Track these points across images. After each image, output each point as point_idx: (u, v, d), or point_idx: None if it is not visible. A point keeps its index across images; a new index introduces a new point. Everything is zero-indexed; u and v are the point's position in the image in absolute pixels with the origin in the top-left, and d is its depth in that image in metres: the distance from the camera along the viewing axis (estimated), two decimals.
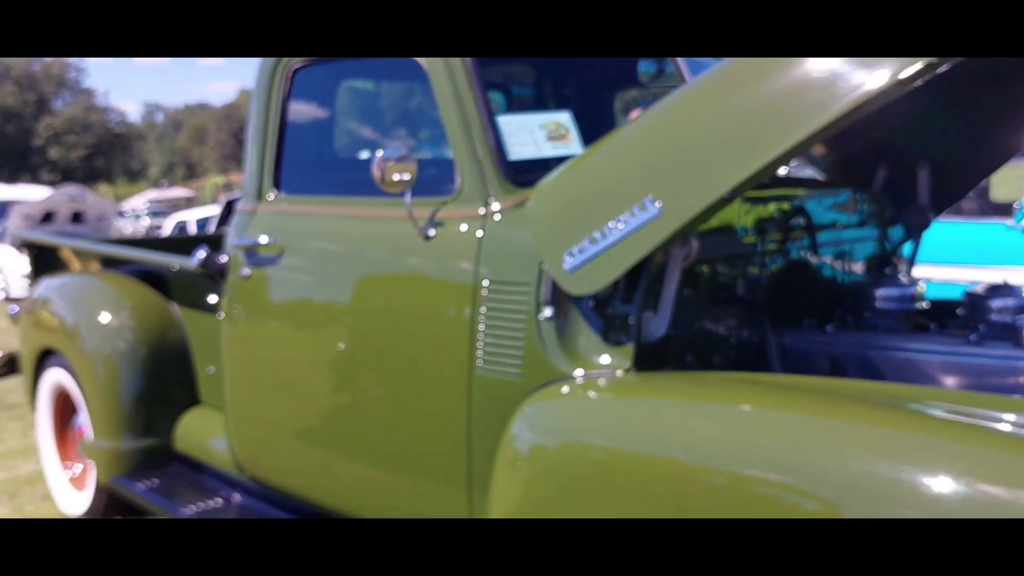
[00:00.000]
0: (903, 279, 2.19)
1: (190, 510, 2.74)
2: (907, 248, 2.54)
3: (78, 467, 3.51)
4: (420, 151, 2.45)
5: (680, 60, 2.37)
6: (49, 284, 3.62)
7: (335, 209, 2.34)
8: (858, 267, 2.40)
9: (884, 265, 2.34)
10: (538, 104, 2.71)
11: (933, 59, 1.33)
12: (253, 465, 2.58)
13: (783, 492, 1.39)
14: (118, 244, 3.87)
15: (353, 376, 2.23)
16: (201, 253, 2.62)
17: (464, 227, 2.00)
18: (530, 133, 2.12)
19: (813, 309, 2.23)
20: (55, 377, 3.43)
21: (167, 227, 16.45)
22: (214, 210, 15.18)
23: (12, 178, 39.99)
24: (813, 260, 2.28)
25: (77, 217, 12.94)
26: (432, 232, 2.04)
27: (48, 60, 49.66)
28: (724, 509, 1.42)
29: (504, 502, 1.78)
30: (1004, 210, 5.44)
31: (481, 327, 1.92)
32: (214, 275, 2.64)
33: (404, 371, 2.10)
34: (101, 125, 55.32)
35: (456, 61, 2.04)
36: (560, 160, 1.97)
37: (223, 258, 2.59)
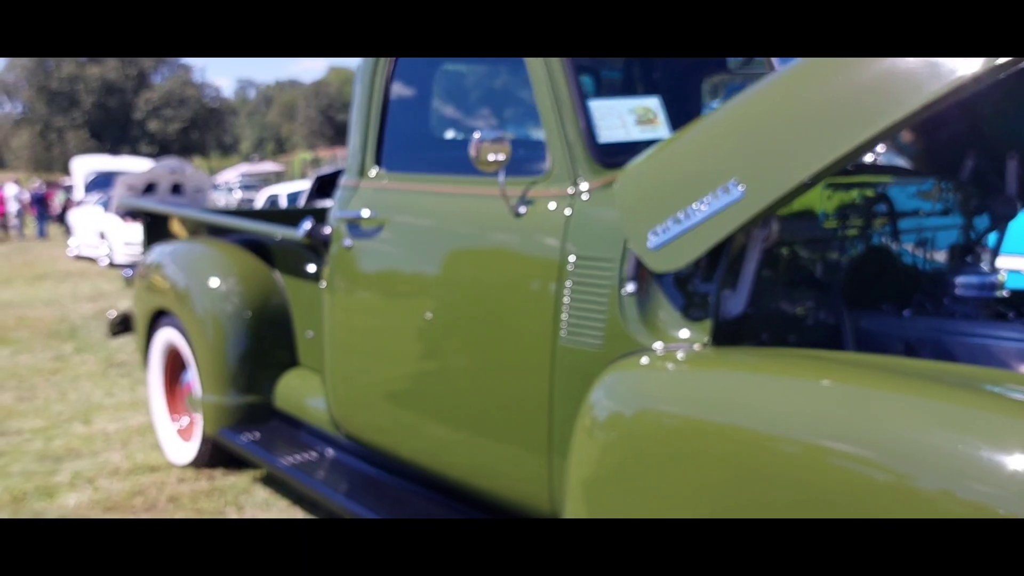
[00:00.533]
0: (984, 268, 2.21)
1: (286, 461, 2.96)
2: (992, 238, 2.53)
3: (185, 420, 3.80)
4: (508, 132, 2.57)
5: None
6: (162, 250, 3.91)
7: (431, 186, 2.49)
8: (940, 255, 2.41)
9: (967, 254, 2.35)
10: (626, 89, 2.79)
11: None
12: (348, 423, 2.77)
13: (856, 464, 1.42)
14: (228, 214, 4.12)
15: (443, 343, 2.38)
16: (307, 224, 2.82)
17: (553, 205, 2.11)
18: (620, 117, 2.22)
19: (891, 294, 2.27)
20: (167, 336, 3.71)
21: (259, 200, 17.05)
22: (304, 185, 15.69)
23: (114, 149, 41.93)
24: (893, 246, 2.31)
25: (176, 188, 13.57)
26: (523, 209, 2.16)
27: None
28: (795, 478, 1.49)
29: (582, 466, 1.89)
30: None
31: (566, 300, 2.04)
32: (318, 245, 2.84)
33: (491, 340, 2.23)
34: (197, 100, 57.38)
35: None
36: (648, 144, 2.07)
37: (327, 229, 2.78)
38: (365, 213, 2.57)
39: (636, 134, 2.21)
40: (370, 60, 2.66)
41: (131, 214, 13.26)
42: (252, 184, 29.82)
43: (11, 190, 21.69)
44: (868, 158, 2.28)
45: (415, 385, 2.48)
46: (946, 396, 1.47)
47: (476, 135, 2.10)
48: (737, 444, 1.59)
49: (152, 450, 3.89)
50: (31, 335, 7.14)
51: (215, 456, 3.53)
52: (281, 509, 3.22)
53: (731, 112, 1.83)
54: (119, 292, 10.04)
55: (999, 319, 2.10)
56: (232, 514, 3.17)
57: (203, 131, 58.29)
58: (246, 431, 3.26)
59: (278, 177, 36.85)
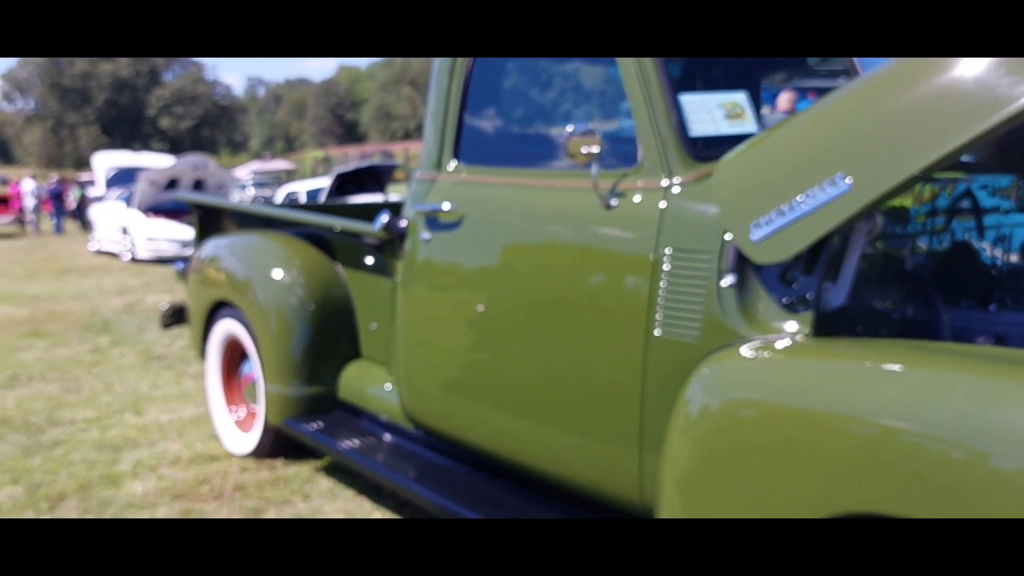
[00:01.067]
0: None
1: (354, 449, 3.00)
2: None
3: (242, 410, 3.84)
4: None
5: None
6: (216, 243, 3.95)
7: (512, 179, 2.52)
8: (1016, 251, 2.44)
9: None
10: (698, 83, 2.82)
11: None
12: (424, 414, 2.80)
13: (973, 454, 1.42)
14: (293, 208, 4.16)
15: (528, 336, 2.40)
16: (384, 218, 2.85)
17: (645, 198, 2.14)
18: (709, 111, 2.25)
19: (973, 289, 2.29)
20: (227, 327, 3.75)
21: (278, 197, 17.11)
22: (322, 182, 15.75)
23: (125, 146, 42.05)
24: (976, 242, 2.34)
25: (199, 185, 13.65)
26: (614, 202, 2.19)
27: None
28: (915, 470, 1.47)
29: (678, 461, 1.89)
30: None
31: (661, 292, 2.06)
32: (394, 238, 2.87)
33: (580, 333, 2.26)
34: (208, 97, 57.49)
35: None
36: (737, 138, 2.10)
37: (403, 223, 2.81)
38: (446, 206, 2.60)
39: (725, 128, 2.24)
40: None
41: (154, 209, 13.29)
42: (264, 182, 29.88)
43: (28, 185, 21.79)
44: None
45: (499, 378, 2.51)
46: None
47: (568, 128, 2.14)
48: (850, 434, 1.59)
49: (210, 440, 3.93)
50: (64, 328, 7.19)
51: (276, 446, 3.56)
52: (347, 498, 3.25)
53: (835, 106, 1.86)
54: (145, 286, 10.11)
55: None
56: (299, 503, 3.21)
57: (214, 129, 58.41)
58: (310, 420, 3.30)
59: (289, 175, 36.94)
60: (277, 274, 3.44)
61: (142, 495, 3.30)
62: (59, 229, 20.99)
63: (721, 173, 1.99)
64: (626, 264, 2.15)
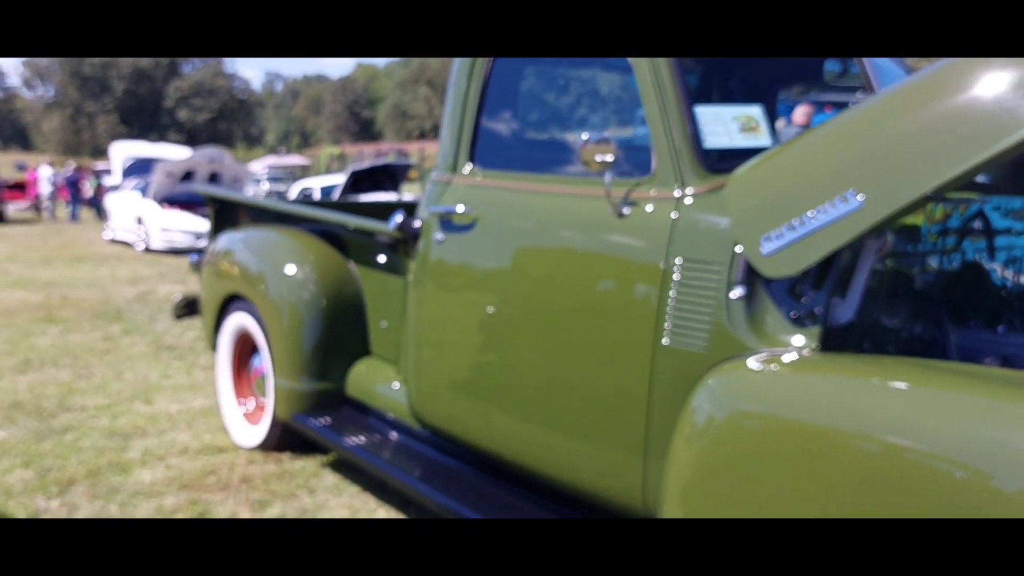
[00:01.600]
0: None
1: (360, 445, 3.03)
2: None
3: (251, 403, 3.87)
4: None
5: (866, 62, 2.47)
6: (231, 237, 3.99)
7: (527, 184, 2.54)
8: None
9: None
10: (715, 95, 2.84)
11: None
12: (431, 414, 2.83)
13: (973, 473, 1.43)
14: (308, 205, 4.20)
15: (538, 340, 2.42)
16: (399, 217, 2.88)
17: (658, 208, 2.16)
18: (724, 124, 2.27)
19: (983, 310, 2.30)
20: (238, 320, 3.79)
21: (292, 193, 17.20)
22: (336, 179, 15.82)
23: (142, 136, 42.32)
24: (985, 262, 2.35)
25: (214, 178, 13.74)
26: (627, 211, 2.21)
27: None
28: (921, 488, 1.49)
29: (681, 472, 1.91)
30: None
31: (670, 301, 2.08)
32: (407, 238, 2.90)
33: (589, 338, 2.28)
34: (226, 90, 57.82)
35: None
36: (751, 151, 2.12)
37: (417, 223, 2.84)
38: (460, 208, 2.63)
39: (739, 141, 2.26)
40: (467, 59, 2.72)
41: (169, 200, 13.39)
42: (279, 176, 30.04)
43: (45, 172, 21.97)
44: None
45: (506, 380, 2.53)
46: None
47: (584, 136, 2.16)
48: (854, 450, 1.60)
49: (218, 432, 3.97)
50: (78, 315, 7.26)
51: (283, 440, 3.60)
52: (351, 494, 3.28)
53: (848, 123, 1.88)
54: (157, 276, 10.18)
55: None
56: (304, 497, 3.24)
57: (230, 122, 58.74)
58: (318, 416, 3.33)
59: (304, 171, 37.13)
60: (290, 269, 3.48)
61: (150, 483, 3.34)
62: (74, 217, 21.15)
63: (734, 186, 2.01)
64: (636, 272, 2.17)
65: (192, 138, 49.57)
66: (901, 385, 1.67)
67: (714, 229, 2.05)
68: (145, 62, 54.38)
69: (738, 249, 1.96)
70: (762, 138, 2.29)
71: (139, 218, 13.66)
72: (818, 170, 1.85)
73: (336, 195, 13.32)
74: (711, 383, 1.91)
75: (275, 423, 3.55)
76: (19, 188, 23.02)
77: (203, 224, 12.45)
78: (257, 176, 28.27)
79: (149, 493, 3.25)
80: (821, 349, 1.88)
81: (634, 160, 2.31)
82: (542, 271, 2.43)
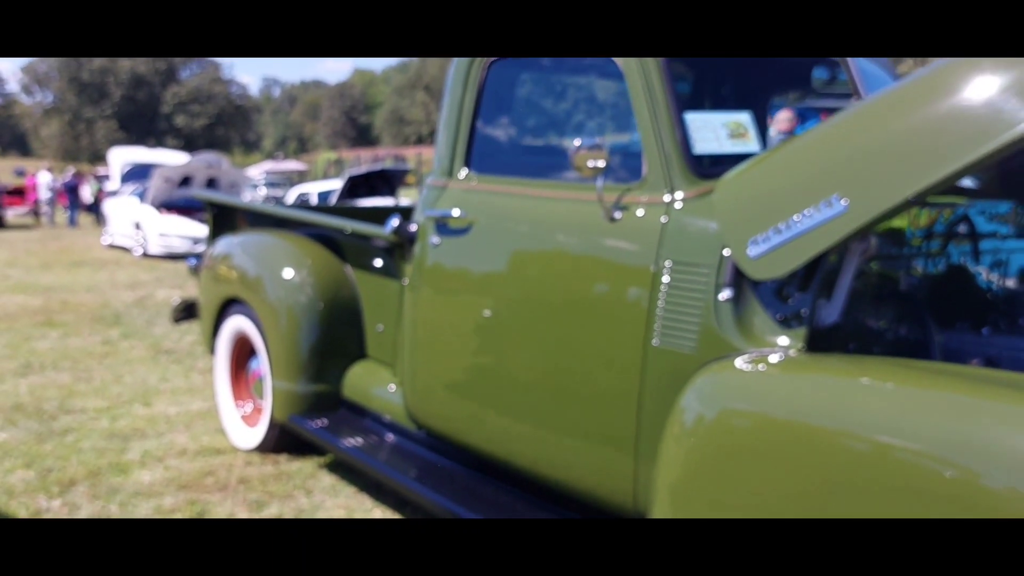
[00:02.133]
0: None
1: (356, 446, 3.06)
2: None
3: (249, 406, 3.91)
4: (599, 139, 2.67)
5: (853, 68, 2.52)
6: (229, 241, 4.03)
7: (522, 189, 2.59)
8: (1012, 276, 2.49)
9: None
10: (705, 102, 2.89)
11: None
12: (427, 416, 2.87)
13: (959, 470, 1.46)
14: (305, 209, 4.24)
15: (531, 341, 2.47)
16: (395, 221, 2.92)
17: (648, 212, 2.21)
18: (713, 130, 2.32)
19: (967, 312, 2.35)
20: (236, 324, 3.83)
21: (289, 198, 17.24)
22: (333, 184, 15.87)
23: (140, 142, 42.35)
24: (972, 266, 2.39)
25: (212, 183, 13.78)
26: (618, 215, 2.26)
27: None
28: (908, 487, 1.52)
29: (671, 470, 1.95)
30: None
31: (660, 303, 2.13)
32: (403, 242, 2.94)
33: (582, 340, 2.32)
34: (224, 96, 57.86)
35: (649, 58, 2.25)
36: (739, 157, 2.17)
37: (413, 227, 2.89)
38: (456, 212, 2.68)
39: (728, 147, 2.31)
40: (463, 65, 2.77)
41: (167, 205, 13.42)
42: (276, 181, 30.10)
43: (44, 177, 22.00)
44: None
45: (500, 382, 2.58)
46: None
47: (576, 142, 2.20)
48: (840, 448, 1.63)
49: (216, 434, 4.00)
50: (77, 319, 7.30)
51: (280, 442, 3.64)
52: (348, 495, 3.32)
53: (833, 129, 1.92)
54: (155, 281, 10.21)
55: None
56: (301, 498, 3.28)
57: (228, 127, 58.79)
58: (315, 417, 3.37)
59: (301, 176, 37.17)
60: (288, 273, 3.52)
61: (149, 484, 3.38)
62: (73, 222, 21.18)
63: (722, 190, 2.05)
64: (627, 275, 2.21)
65: (190, 143, 49.62)
66: (887, 384, 1.70)
67: (703, 233, 2.10)
68: (143, 68, 54.45)
69: (726, 252, 2.01)
70: (750, 144, 2.34)
71: (137, 223, 13.69)
72: (803, 175, 1.90)
73: (333, 200, 13.37)
74: (700, 383, 1.95)
75: (272, 425, 3.59)
76: (18, 194, 23.06)
77: (200, 229, 12.48)
78: (254, 181, 28.32)
79: (148, 493, 3.29)
80: (807, 350, 1.92)
81: (626, 166, 2.36)
82: (536, 274, 2.48)
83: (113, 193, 17.25)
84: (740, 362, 1.93)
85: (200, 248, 11.20)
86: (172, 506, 3.18)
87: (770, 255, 1.90)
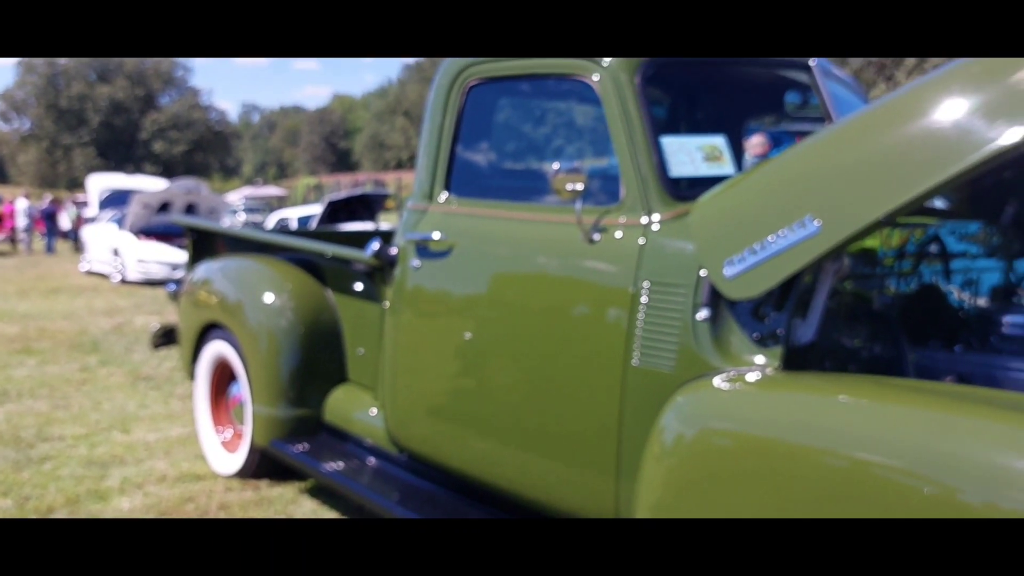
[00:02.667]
0: None
1: (338, 471, 3.05)
2: None
3: (229, 431, 3.89)
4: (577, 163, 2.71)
5: (825, 93, 2.58)
6: (209, 267, 4.02)
7: (501, 212, 2.62)
8: (983, 295, 2.54)
9: (1009, 295, 2.48)
10: (681, 126, 2.94)
11: None
12: (409, 439, 2.87)
13: (936, 487, 1.49)
14: (285, 234, 4.24)
15: (512, 363, 2.48)
16: (375, 245, 2.94)
17: (626, 234, 2.24)
18: (689, 153, 2.36)
19: (939, 330, 2.40)
20: (216, 349, 3.81)
21: (269, 223, 17.19)
22: (313, 209, 15.85)
23: (119, 168, 42.12)
24: (942, 285, 2.45)
25: (191, 209, 13.72)
26: (597, 237, 2.29)
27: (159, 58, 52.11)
28: (888, 504, 1.55)
29: (651, 490, 1.96)
30: None
31: (639, 323, 2.15)
32: (384, 266, 2.96)
33: (562, 361, 2.34)
34: (202, 123, 57.68)
35: (625, 82, 2.29)
36: (715, 180, 2.21)
37: (393, 251, 2.90)
38: (436, 235, 2.70)
39: (704, 170, 2.36)
40: (443, 90, 2.81)
41: (145, 232, 13.28)
42: (256, 207, 30.00)
43: (21, 204, 21.80)
44: None
45: (482, 404, 2.59)
46: (998, 417, 1.55)
47: (555, 165, 2.24)
48: (818, 465, 1.66)
49: (196, 460, 3.97)
50: (54, 346, 7.22)
51: (261, 467, 3.61)
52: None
53: (807, 151, 1.97)
54: (134, 307, 10.13)
55: None
56: None
57: (207, 153, 58.57)
58: (296, 442, 3.35)
59: (280, 201, 37.11)
60: (268, 298, 3.52)
61: (128, 511, 3.34)
62: (50, 249, 20.97)
63: (698, 212, 2.09)
64: (606, 296, 2.24)
65: (168, 170, 49.35)
66: (863, 402, 1.73)
67: (680, 254, 2.13)
68: (121, 94, 54.23)
69: (703, 273, 2.04)
70: (725, 167, 2.38)
71: (115, 249, 13.59)
72: (777, 196, 1.94)
73: (313, 225, 13.34)
74: (679, 402, 1.98)
75: (253, 450, 3.57)
76: None
77: (179, 255, 12.41)
78: (234, 207, 28.22)
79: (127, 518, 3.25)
80: (784, 368, 1.95)
81: (605, 189, 2.39)
82: (516, 296, 2.50)
83: (91, 219, 17.12)
84: (718, 381, 1.96)
85: (180, 274, 11.15)
86: None
87: (746, 275, 1.93)
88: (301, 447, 3.31)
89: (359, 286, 3.37)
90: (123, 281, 13.26)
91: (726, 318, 2.05)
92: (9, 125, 57.04)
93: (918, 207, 2.29)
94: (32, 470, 3.82)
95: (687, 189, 2.25)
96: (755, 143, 2.81)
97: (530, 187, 2.76)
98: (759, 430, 1.82)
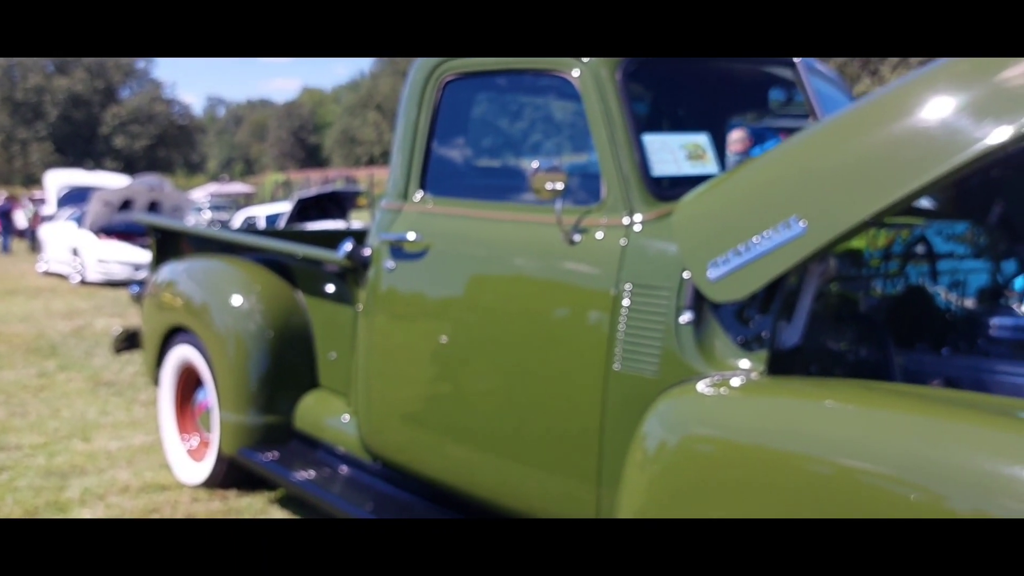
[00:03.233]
0: (1018, 311, 2.32)
1: (308, 480, 2.96)
2: (1019, 282, 2.64)
3: (195, 439, 3.76)
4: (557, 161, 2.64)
5: (809, 90, 2.53)
6: (174, 268, 3.90)
7: (479, 212, 2.54)
8: (970, 296, 2.52)
9: (996, 297, 2.46)
10: (663, 123, 2.88)
11: None
12: (383, 445, 2.79)
13: (922, 492, 1.46)
14: (254, 234, 4.13)
15: (491, 368, 2.41)
16: (348, 246, 2.84)
17: (608, 235, 2.18)
18: (671, 152, 2.30)
19: (926, 333, 2.36)
20: (182, 354, 3.69)
21: (236, 222, 16.93)
22: (282, 207, 15.63)
23: (78, 164, 41.28)
24: (929, 286, 2.41)
25: (153, 206, 13.45)
26: (577, 238, 2.22)
27: None
28: (843, 503, 1.53)
29: (634, 498, 1.91)
30: None
31: (621, 327, 2.09)
32: (357, 267, 2.86)
33: (542, 366, 2.27)
34: (165, 116, 56.70)
35: (606, 79, 2.22)
36: (698, 179, 2.15)
37: (367, 251, 2.81)
38: (411, 236, 2.61)
39: (687, 169, 2.30)
40: (418, 86, 2.72)
41: (106, 230, 13.01)
42: (222, 204, 29.57)
43: None
44: None
45: (459, 410, 2.51)
46: (987, 423, 1.52)
47: (534, 164, 2.17)
48: (803, 471, 1.62)
49: (160, 469, 3.84)
50: (10, 351, 7.00)
51: (229, 477, 3.50)
52: None
53: (792, 151, 1.92)
54: (94, 310, 9.88)
55: None
56: None
57: (170, 148, 57.58)
58: (266, 450, 3.25)
59: (248, 199, 36.62)
60: (236, 300, 3.41)
61: None
62: (5, 248, 20.47)
63: (681, 212, 2.04)
64: (587, 299, 2.18)
65: (130, 165, 48.43)
66: (849, 407, 1.70)
67: (662, 255, 2.07)
68: (80, 87, 53.05)
69: (686, 275, 1.99)
70: (709, 165, 2.33)
71: (75, 249, 13.26)
72: (762, 196, 1.89)
73: (282, 223, 13.15)
74: (662, 408, 1.92)
75: (220, 459, 3.45)
76: None
77: (142, 255, 12.14)
78: (198, 204, 27.79)
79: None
80: (769, 372, 1.91)
81: (585, 187, 2.33)
82: (494, 299, 2.43)
83: (49, 218, 16.70)
84: (702, 386, 1.91)
85: (142, 275, 10.90)
86: None
87: (730, 277, 1.88)
88: (271, 455, 3.21)
89: (331, 288, 3.27)
90: (83, 282, 12.94)
91: (710, 321, 2.00)
92: None
93: (906, 207, 2.27)
94: None
95: (669, 188, 2.19)
96: (735, 139, 2.77)
97: (509, 186, 2.68)
98: (744, 436, 1.78)
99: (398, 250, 2.67)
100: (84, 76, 53.81)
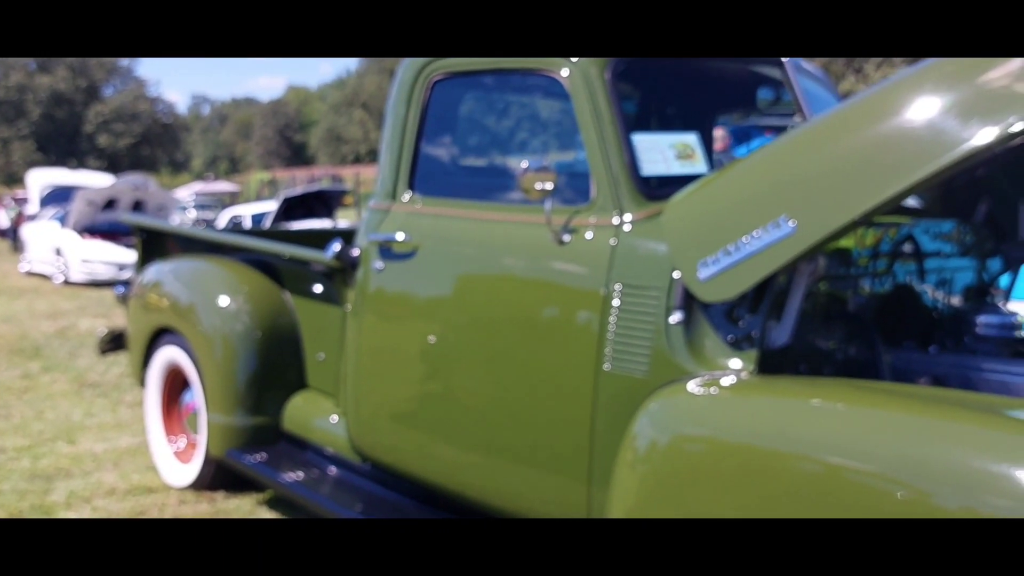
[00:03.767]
0: (1004, 309, 2.34)
1: (297, 481, 2.95)
2: (1004, 280, 2.67)
3: (182, 441, 3.74)
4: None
5: (797, 89, 2.54)
6: (160, 268, 3.87)
7: (468, 212, 2.53)
8: (956, 294, 2.54)
9: (982, 295, 2.48)
10: (652, 123, 2.89)
11: None
12: (372, 447, 2.77)
13: (910, 490, 1.47)
14: (241, 234, 4.10)
15: (480, 369, 2.40)
16: (336, 246, 2.83)
17: (597, 234, 2.18)
18: (661, 151, 2.30)
19: (914, 331, 2.38)
20: (168, 355, 3.66)
21: (221, 221, 16.83)
22: (267, 206, 15.55)
23: (60, 163, 40.92)
24: (916, 285, 2.43)
25: (138, 206, 13.35)
26: (567, 238, 2.22)
27: None
28: (832, 502, 1.54)
29: (625, 498, 1.91)
30: None
31: (611, 327, 2.09)
32: (345, 268, 2.85)
33: (531, 366, 2.27)
34: (149, 115, 56.28)
35: (596, 78, 2.22)
36: (687, 179, 2.15)
37: (355, 252, 2.80)
38: (400, 236, 2.60)
39: (676, 168, 2.30)
40: (406, 85, 2.70)
41: (90, 230, 12.88)
42: (207, 203, 29.37)
43: None
44: None
45: (448, 410, 2.50)
46: (977, 421, 1.54)
47: (523, 163, 2.16)
48: (794, 470, 1.64)
49: (147, 471, 3.81)
50: None
51: (216, 478, 3.48)
52: None
53: (781, 150, 1.93)
54: (78, 310, 9.80)
55: (1019, 357, 2.22)
56: None
57: (155, 147, 57.16)
58: (253, 452, 3.23)
59: (233, 197, 36.42)
60: (223, 301, 3.38)
61: None
62: None
63: (670, 212, 2.04)
64: (577, 299, 2.18)
65: (114, 164, 48.02)
66: (838, 406, 1.71)
67: (652, 255, 2.07)
68: (63, 85, 52.55)
69: (676, 275, 1.99)
70: (698, 165, 2.33)
71: (58, 249, 13.14)
72: (751, 197, 1.89)
73: (268, 222, 13.08)
74: (652, 407, 1.93)
75: (208, 461, 3.43)
76: None
77: (126, 255, 12.04)
78: (183, 203, 27.59)
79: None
80: (759, 372, 1.91)
81: (574, 187, 2.32)
82: (483, 299, 2.42)
83: (32, 217, 16.54)
84: (692, 386, 1.91)
85: (127, 275, 10.82)
86: None
87: (720, 277, 1.89)
88: (259, 457, 3.19)
89: (319, 288, 3.26)
90: (66, 282, 12.83)
91: (700, 321, 2.00)
92: None
93: (894, 207, 2.28)
94: None
95: (659, 188, 2.19)
96: (716, 138, 2.77)
97: (498, 186, 2.67)
98: (734, 436, 1.79)
99: (387, 250, 2.65)
100: (67, 74, 53.33)
